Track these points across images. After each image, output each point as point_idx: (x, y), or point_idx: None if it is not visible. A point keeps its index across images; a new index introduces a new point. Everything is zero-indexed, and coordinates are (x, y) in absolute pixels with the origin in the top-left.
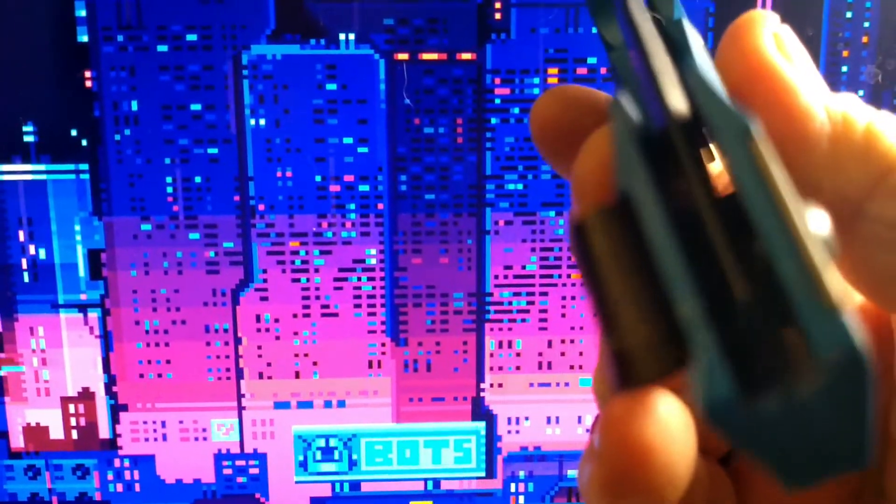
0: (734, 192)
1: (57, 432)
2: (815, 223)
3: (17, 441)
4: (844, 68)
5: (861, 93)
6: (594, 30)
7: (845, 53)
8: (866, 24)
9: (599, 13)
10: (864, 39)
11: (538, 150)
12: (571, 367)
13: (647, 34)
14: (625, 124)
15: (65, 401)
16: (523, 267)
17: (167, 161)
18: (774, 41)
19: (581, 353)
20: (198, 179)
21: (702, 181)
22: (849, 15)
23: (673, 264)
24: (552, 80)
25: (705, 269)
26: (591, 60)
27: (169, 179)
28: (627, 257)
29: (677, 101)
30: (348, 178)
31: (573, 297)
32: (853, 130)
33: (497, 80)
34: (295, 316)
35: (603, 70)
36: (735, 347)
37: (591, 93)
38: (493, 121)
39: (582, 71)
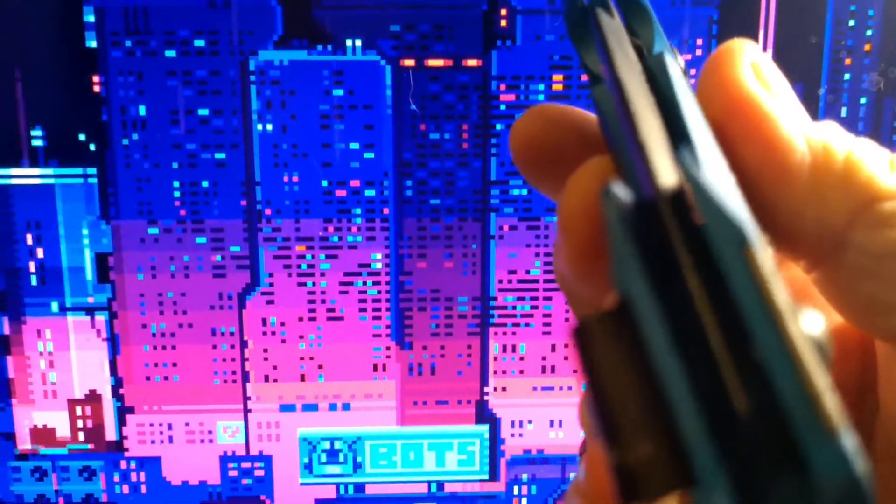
0: (731, 299)
1: (64, 434)
2: (809, 327)
3: (25, 442)
4: (847, 76)
5: (863, 100)
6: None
7: (848, 61)
8: (869, 33)
9: (581, 42)
10: (867, 48)
11: (520, 172)
12: (574, 371)
13: (629, 81)
14: (619, 220)
15: (72, 403)
16: (527, 272)
17: (175, 165)
18: (754, 71)
19: None
20: (205, 184)
21: (699, 274)
22: (852, 23)
23: (673, 379)
24: (557, 87)
25: (705, 378)
26: None
27: (176, 184)
28: (628, 366)
29: (667, 175)
30: (354, 182)
31: None
32: (834, 160)
33: (502, 87)
34: (301, 319)
35: None
36: (736, 463)
37: (572, 111)
38: (499, 127)
39: (586, 77)
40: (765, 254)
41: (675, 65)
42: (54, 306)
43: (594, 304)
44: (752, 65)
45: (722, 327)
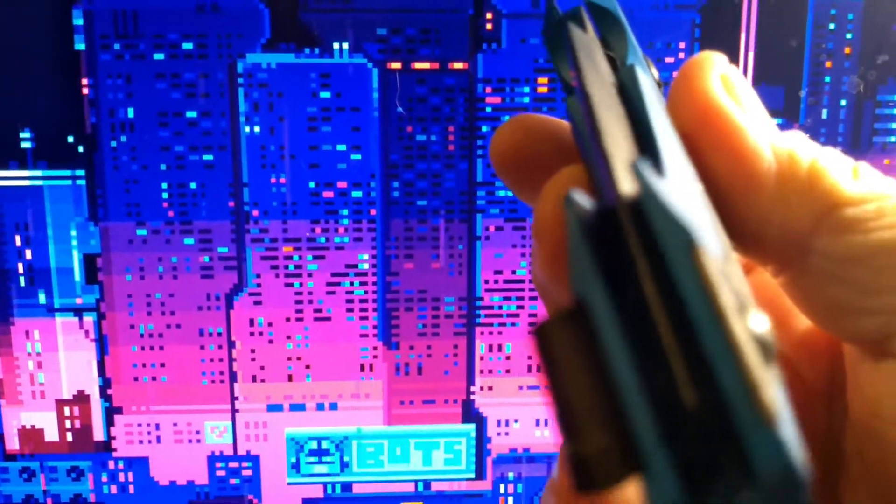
0: (679, 299)
1: (52, 434)
2: (755, 326)
3: (13, 443)
4: (827, 79)
5: (844, 102)
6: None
7: (828, 64)
8: (849, 36)
9: (556, 55)
10: (847, 50)
11: (500, 179)
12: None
13: (596, 92)
14: (577, 225)
15: (60, 403)
16: (513, 272)
17: (163, 167)
18: (722, 83)
19: None
20: (193, 185)
21: (653, 276)
22: (832, 27)
23: (624, 375)
24: (542, 90)
25: (657, 374)
26: None
27: (164, 185)
28: (584, 363)
29: (627, 184)
30: (341, 184)
31: None
32: (799, 168)
33: (488, 89)
34: (288, 320)
35: None
36: (683, 455)
37: (549, 121)
38: (485, 129)
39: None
40: (711, 256)
41: (645, 76)
42: (41, 299)
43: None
44: (721, 77)
45: (673, 326)
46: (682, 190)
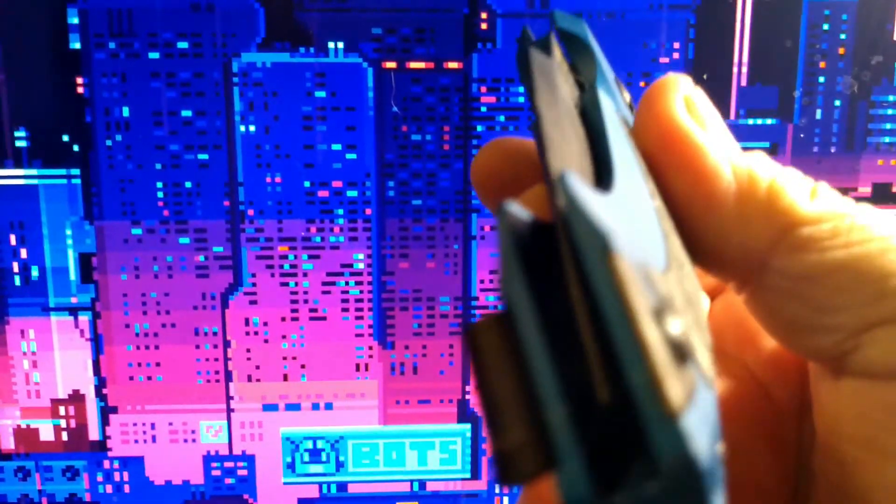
0: (595, 301)
1: (47, 434)
2: (669, 328)
3: (8, 443)
4: (821, 79)
5: (838, 102)
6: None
7: (822, 65)
8: (843, 36)
9: (527, 80)
10: (841, 51)
11: (482, 203)
12: None
13: (545, 114)
14: (506, 232)
15: (55, 403)
16: None
17: (158, 166)
18: (686, 105)
19: None
20: (188, 184)
21: (577, 281)
22: (826, 27)
23: (542, 372)
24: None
25: (575, 373)
26: None
27: (159, 184)
28: (508, 364)
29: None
30: (337, 183)
31: None
32: (757, 188)
33: (483, 89)
34: (283, 319)
35: None
36: (595, 448)
37: (525, 143)
38: (479, 128)
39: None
40: (625, 261)
41: (607, 99)
42: (36, 298)
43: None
44: (685, 99)
45: (591, 328)
46: (621, 203)
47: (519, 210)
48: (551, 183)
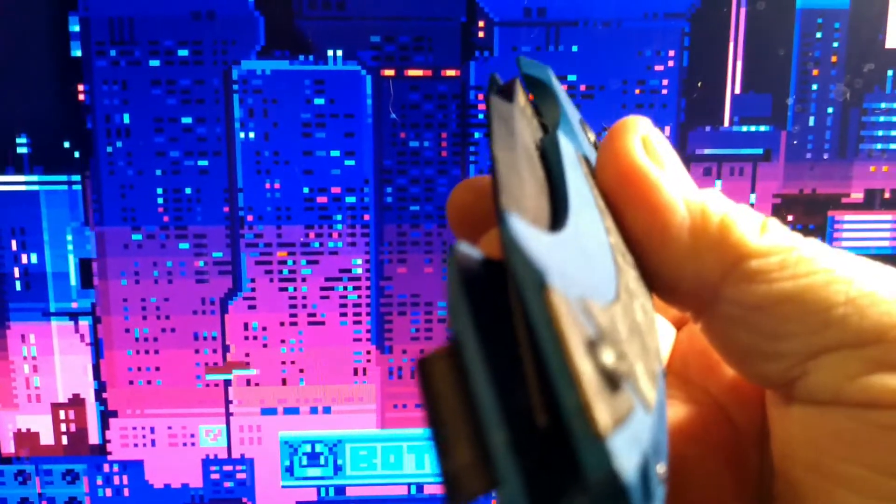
0: (534, 332)
1: (47, 438)
2: (602, 359)
3: (8, 447)
4: (814, 87)
5: (831, 110)
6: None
7: (815, 72)
8: (835, 44)
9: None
10: (834, 59)
11: (456, 236)
12: None
13: (503, 157)
14: (454, 268)
15: (55, 407)
16: None
17: (158, 173)
18: (643, 145)
19: None
20: (188, 190)
21: (520, 313)
22: (819, 35)
23: (485, 400)
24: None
25: (517, 399)
26: (571, 78)
27: (160, 190)
28: (456, 391)
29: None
30: (335, 189)
31: None
32: (710, 222)
33: (480, 96)
34: (282, 324)
35: (582, 87)
36: (536, 469)
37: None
38: (477, 135)
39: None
40: (560, 294)
41: (566, 141)
42: (37, 304)
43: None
44: (642, 139)
45: (531, 357)
46: (571, 240)
47: (469, 249)
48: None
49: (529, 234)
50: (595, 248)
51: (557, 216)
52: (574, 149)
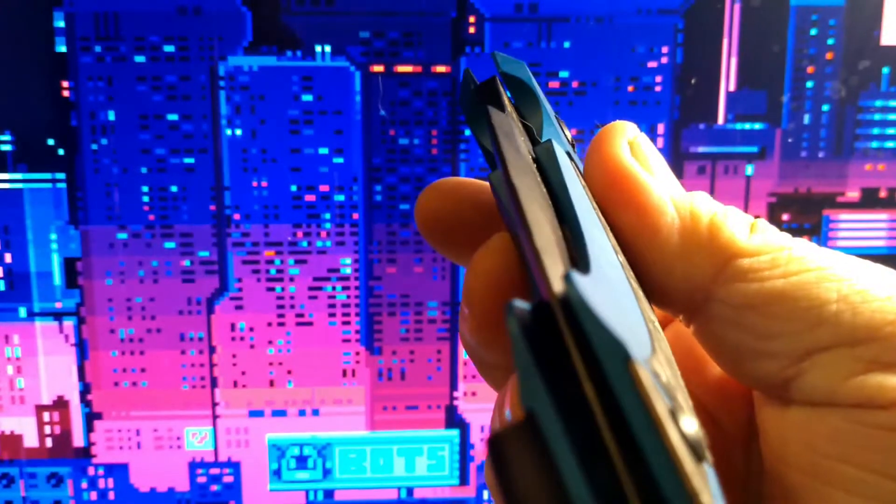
0: (620, 409)
1: (31, 440)
2: (686, 429)
3: None
4: (810, 84)
5: (826, 107)
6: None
7: (810, 70)
8: (830, 42)
9: (475, 123)
10: (829, 56)
11: (428, 243)
12: None
13: (521, 184)
14: (521, 336)
15: (39, 409)
16: None
17: (143, 170)
18: (630, 148)
19: None
20: (174, 189)
21: (591, 379)
22: (814, 32)
23: (574, 482)
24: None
25: (604, 479)
26: (563, 74)
27: (145, 189)
28: (538, 472)
29: (558, 283)
30: (324, 188)
31: None
32: (699, 222)
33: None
34: (270, 325)
35: (575, 84)
36: None
37: (464, 182)
38: (467, 132)
39: (554, 84)
40: (644, 368)
41: (560, 151)
42: (22, 311)
43: (497, 366)
44: (630, 142)
45: (615, 433)
46: (606, 280)
47: (523, 305)
48: (543, 270)
49: (598, 301)
50: (618, 281)
51: (577, 246)
52: (565, 154)
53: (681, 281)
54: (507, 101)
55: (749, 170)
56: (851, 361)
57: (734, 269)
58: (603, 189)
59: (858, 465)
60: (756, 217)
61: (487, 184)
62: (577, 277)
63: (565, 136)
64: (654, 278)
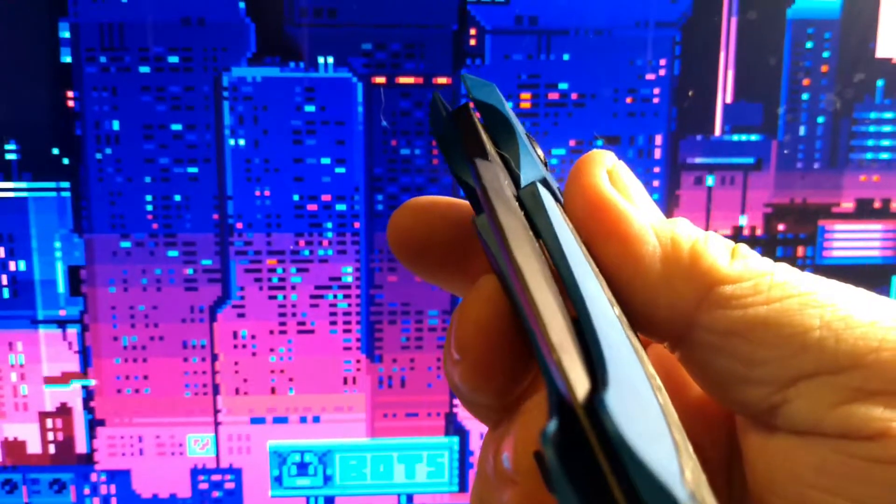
0: None
1: (34, 447)
2: None
3: None
4: (805, 96)
5: (821, 119)
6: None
7: (806, 82)
8: (826, 54)
9: (448, 149)
10: (824, 69)
11: (402, 264)
12: None
13: (526, 268)
14: (560, 468)
15: (42, 415)
16: None
17: (147, 180)
18: (609, 177)
19: None
20: (177, 198)
21: (620, 487)
22: (809, 45)
23: None
24: (525, 105)
25: None
26: (563, 86)
27: (149, 198)
28: None
29: (580, 383)
30: (326, 197)
31: None
32: (680, 250)
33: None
34: (271, 332)
35: (574, 95)
36: None
37: (437, 201)
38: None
39: (554, 96)
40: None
41: (546, 195)
42: (25, 311)
43: (485, 406)
44: (608, 171)
45: None
46: (627, 384)
47: (552, 425)
48: (560, 368)
49: (632, 432)
50: (631, 367)
51: (592, 344)
52: (549, 195)
53: (664, 309)
54: (482, 132)
55: (745, 181)
56: (836, 390)
57: (716, 297)
58: (584, 220)
59: (846, 498)
60: (736, 243)
61: (458, 202)
62: (609, 404)
63: (538, 156)
64: (638, 307)
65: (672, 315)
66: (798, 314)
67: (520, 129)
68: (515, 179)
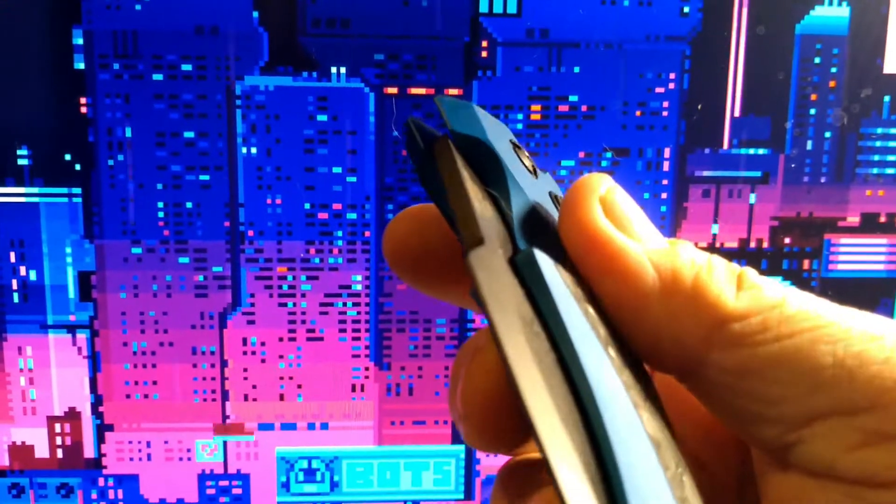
0: None
1: (42, 451)
2: None
3: (3, 459)
4: (813, 111)
5: (828, 134)
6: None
7: (814, 97)
8: (833, 70)
9: (430, 184)
10: (832, 84)
11: (398, 276)
12: None
13: (527, 380)
14: None
15: (51, 420)
16: None
17: (159, 186)
18: (602, 207)
19: None
20: (189, 205)
21: None
22: (817, 60)
23: None
24: (535, 117)
25: None
26: (573, 98)
27: (160, 204)
28: None
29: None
30: (336, 206)
31: None
32: (682, 283)
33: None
34: (281, 339)
35: (584, 108)
36: None
37: (432, 209)
38: None
39: (563, 108)
40: None
41: (545, 261)
42: (35, 316)
43: (493, 451)
44: (601, 200)
45: None
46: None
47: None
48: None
49: None
50: (649, 475)
51: (612, 479)
52: (549, 263)
53: (670, 345)
54: (464, 173)
55: (752, 198)
56: (851, 431)
57: (725, 336)
58: (579, 255)
59: None
60: (742, 267)
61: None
62: None
63: (527, 167)
64: (642, 344)
65: (679, 351)
66: (810, 352)
67: (503, 158)
68: (507, 221)
